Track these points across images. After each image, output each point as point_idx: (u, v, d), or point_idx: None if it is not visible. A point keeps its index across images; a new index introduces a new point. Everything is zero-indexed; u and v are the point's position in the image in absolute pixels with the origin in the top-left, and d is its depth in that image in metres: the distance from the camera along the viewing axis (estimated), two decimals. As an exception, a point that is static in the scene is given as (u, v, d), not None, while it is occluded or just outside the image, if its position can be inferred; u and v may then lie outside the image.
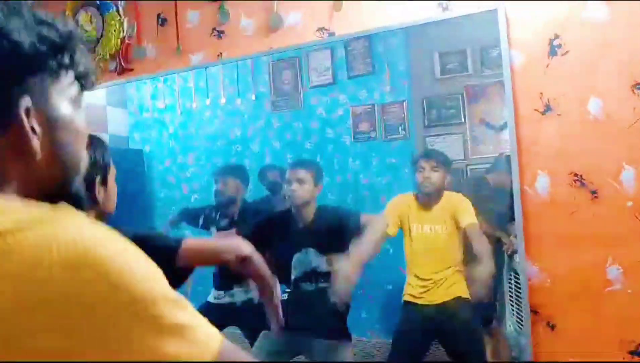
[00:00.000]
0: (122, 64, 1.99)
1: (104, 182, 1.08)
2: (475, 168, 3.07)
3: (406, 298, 2.43)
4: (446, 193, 2.50)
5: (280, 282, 2.19)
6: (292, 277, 2.09)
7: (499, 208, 2.62)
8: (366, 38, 3.46)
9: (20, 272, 0.56)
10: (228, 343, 0.68)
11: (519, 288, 2.47)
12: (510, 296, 2.59)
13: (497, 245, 2.58)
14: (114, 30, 2.07)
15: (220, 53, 2.86)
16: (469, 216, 2.38)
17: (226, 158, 3.88)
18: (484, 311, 2.71)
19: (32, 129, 0.68)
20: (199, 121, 3.97)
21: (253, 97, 3.85)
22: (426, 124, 3.36)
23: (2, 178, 0.68)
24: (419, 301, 2.35)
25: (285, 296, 2.10)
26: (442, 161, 2.48)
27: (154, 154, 4.04)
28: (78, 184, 0.78)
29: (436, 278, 2.34)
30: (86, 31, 1.98)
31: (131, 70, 2.02)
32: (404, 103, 3.39)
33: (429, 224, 2.41)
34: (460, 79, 3.23)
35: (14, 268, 0.56)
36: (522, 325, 2.42)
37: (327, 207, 2.30)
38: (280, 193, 2.43)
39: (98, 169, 1.03)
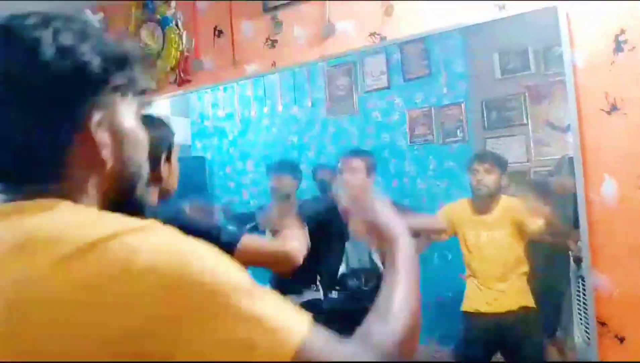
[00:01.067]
0: (182, 75, 2.13)
1: (168, 160, 1.17)
2: (539, 171, 2.97)
3: (466, 309, 2.32)
4: (504, 197, 2.40)
5: (330, 287, 2.22)
6: (341, 272, 2.05)
7: (563, 213, 2.52)
8: (421, 40, 3.45)
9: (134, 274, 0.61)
10: (316, 332, 0.65)
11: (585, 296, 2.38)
12: (578, 305, 2.49)
13: (562, 252, 2.49)
14: (174, 44, 2.23)
15: (274, 62, 2.97)
16: (534, 223, 2.31)
17: (283, 164, 4.00)
18: (549, 320, 2.63)
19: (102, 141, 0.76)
20: (257, 129, 4.13)
21: (309, 104, 3.95)
22: (486, 126, 3.29)
23: (78, 190, 0.75)
24: (482, 310, 2.26)
25: (335, 296, 2.10)
26: (497, 163, 2.37)
27: (215, 161, 4.25)
28: (141, 189, 0.86)
29: (498, 288, 2.24)
30: (148, 45, 2.15)
31: (189, 81, 2.15)
32: (462, 105, 3.34)
33: (486, 231, 2.32)
34: (521, 79, 3.15)
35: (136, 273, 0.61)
36: (589, 336, 2.32)
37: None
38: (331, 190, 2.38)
39: (163, 148, 1.12)
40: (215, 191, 4.17)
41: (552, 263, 2.50)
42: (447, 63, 3.34)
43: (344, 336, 0.67)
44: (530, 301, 2.29)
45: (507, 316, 2.24)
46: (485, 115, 3.27)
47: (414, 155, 3.46)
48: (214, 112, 4.27)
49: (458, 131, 3.34)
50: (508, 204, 2.36)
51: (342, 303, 2.01)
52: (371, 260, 2.00)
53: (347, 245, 2.09)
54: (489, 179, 2.24)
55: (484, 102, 3.26)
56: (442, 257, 3.26)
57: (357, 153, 2.17)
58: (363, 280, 2.04)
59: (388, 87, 3.65)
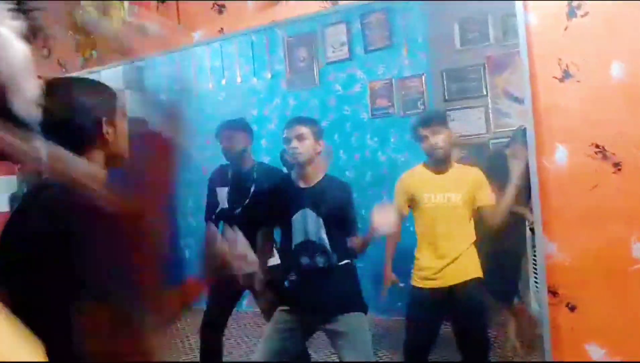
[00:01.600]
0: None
1: (112, 123, 1.15)
2: (498, 142, 2.99)
3: (416, 283, 2.35)
4: (462, 166, 2.43)
5: (285, 258, 2.20)
6: (293, 246, 2.07)
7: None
8: (383, 11, 3.40)
9: None
10: None
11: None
12: (535, 274, 2.54)
13: (519, 221, 2.52)
14: (117, 11, 2.10)
15: (222, 28, 2.84)
16: (489, 196, 2.30)
17: (242, 138, 3.91)
18: (506, 288, 2.68)
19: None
20: (215, 102, 4.01)
21: (268, 76, 3.86)
22: (446, 97, 3.28)
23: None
24: (433, 285, 2.29)
25: (293, 275, 2.10)
26: (441, 121, 2.37)
27: (172, 137, 4.12)
28: (20, 103, 0.92)
29: (452, 255, 2.28)
30: (88, 12, 2.03)
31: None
32: (423, 77, 3.32)
33: (442, 192, 2.29)
34: (481, 49, 3.14)
35: None
36: (541, 304, 2.37)
37: (338, 179, 2.24)
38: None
39: (102, 110, 1.11)
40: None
41: (510, 232, 2.53)
42: (408, 33, 3.30)
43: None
44: (479, 272, 2.32)
45: (457, 288, 2.25)
46: (445, 86, 3.26)
47: (375, 128, 3.44)
48: (170, 85, 4.12)
49: (419, 103, 3.33)
50: (467, 172, 2.37)
51: (299, 285, 2.01)
52: (319, 236, 1.99)
53: (295, 217, 2.06)
54: (439, 139, 2.23)
55: (444, 73, 3.25)
56: (405, 231, 3.27)
57: (300, 120, 2.12)
58: (312, 253, 2.03)
59: (349, 59, 3.58)
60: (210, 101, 4.01)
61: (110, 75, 3.85)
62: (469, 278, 2.24)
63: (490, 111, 3.10)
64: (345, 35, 3.55)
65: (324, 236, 1.98)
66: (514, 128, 2.78)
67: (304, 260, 2.02)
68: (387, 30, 3.43)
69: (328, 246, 2.01)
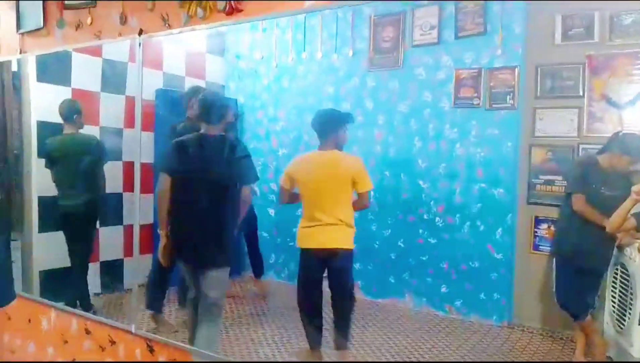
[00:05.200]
0: (233, 4, 2.16)
1: None
2: (589, 148, 2.97)
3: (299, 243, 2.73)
4: (347, 155, 2.80)
5: None
6: None
7: (613, 194, 2.55)
8: (481, -5, 3.41)
9: None
10: None
11: (625, 285, 2.43)
12: (613, 293, 2.56)
13: (608, 238, 2.53)
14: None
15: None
16: (368, 183, 2.67)
17: (317, 114, 4.06)
18: (580, 303, 2.70)
19: None
20: (293, 75, 4.19)
21: (350, 54, 3.98)
22: (538, 94, 3.28)
23: None
24: (311, 246, 2.66)
25: None
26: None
27: (247, 106, 4.34)
28: None
29: (325, 221, 2.61)
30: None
31: (240, 11, 2.18)
32: (516, 69, 3.33)
33: (322, 168, 2.68)
34: (582, 47, 3.11)
35: None
36: (623, 325, 2.40)
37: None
38: None
39: None
40: (244, 136, 4.28)
41: (596, 247, 2.55)
42: (505, 22, 3.31)
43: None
44: (349, 244, 2.65)
45: (330, 251, 2.62)
46: (538, 82, 3.26)
47: (456, 118, 3.48)
48: (251, 54, 4.33)
49: (508, 98, 3.34)
50: (350, 160, 2.75)
51: None
52: None
53: None
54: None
55: (539, 69, 3.24)
56: (474, 227, 3.34)
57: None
58: None
59: (437, 43, 3.64)
60: (288, 73, 4.19)
61: (192, 40, 4.12)
62: (340, 246, 2.64)
63: (584, 113, 3.07)
64: (437, 18, 3.60)
65: None
66: (608, 134, 2.76)
67: None
68: (482, 16, 3.44)
69: None
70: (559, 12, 3.13)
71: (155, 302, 3.08)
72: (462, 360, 2.73)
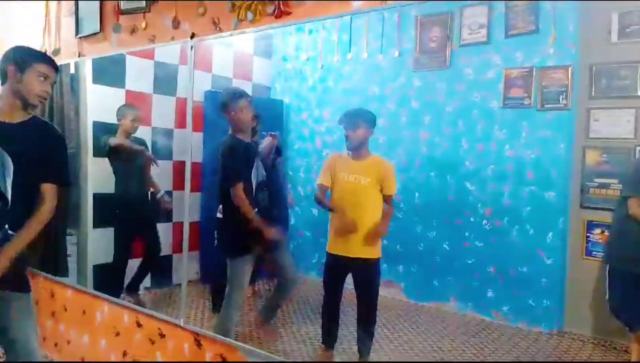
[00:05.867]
0: (282, 7, 2.22)
1: None
2: (646, 150, 2.88)
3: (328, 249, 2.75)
4: (377, 156, 2.78)
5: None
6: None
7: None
8: (533, -7, 3.34)
9: None
10: None
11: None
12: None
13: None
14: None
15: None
16: (394, 187, 2.68)
17: (362, 115, 4.08)
18: (634, 313, 2.61)
19: None
20: (338, 75, 4.23)
21: (396, 54, 3.98)
22: (593, 94, 3.19)
23: None
24: (339, 253, 2.68)
25: None
26: (363, 119, 2.75)
27: (293, 106, 4.41)
28: None
29: (349, 237, 2.62)
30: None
31: (289, 14, 2.24)
32: (569, 68, 3.25)
33: (354, 174, 2.67)
34: (641, 45, 3.01)
35: None
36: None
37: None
38: None
39: None
40: (290, 137, 4.36)
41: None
42: (557, 20, 3.24)
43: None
44: (378, 254, 2.66)
45: (358, 261, 2.62)
46: (593, 82, 3.17)
47: (506, 119, 3.43)
48: (297, 55, 4.41)
49: (560, 98, 3.26)
50: (381, 163, 2.73)
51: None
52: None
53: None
54: (353, 134, 2.67)
55: (593, 68, 3.15)
56: (523, 231, 3.28)
57: (243, 94, 2.83)
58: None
59: (486, 42, 3.59)
60: (333, 73, 4.24)
61: (240, 42, 4.23)
62: (369, 256, 2.64)
63: (642, 114, 2.97)
64: (486, 16, 3.56)
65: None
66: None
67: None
68: (534, 14, 3.38)
69: None
70: (615, 9, 3.04)
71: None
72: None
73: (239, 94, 2.82)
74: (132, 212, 3.54)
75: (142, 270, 3.67)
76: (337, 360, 2.74)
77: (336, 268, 2.70)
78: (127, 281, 3.60)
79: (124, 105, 3.63)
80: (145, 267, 3.67)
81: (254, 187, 2.75)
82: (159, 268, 3.78)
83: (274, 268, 3.03)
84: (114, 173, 3.51)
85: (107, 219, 3.61)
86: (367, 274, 2.66)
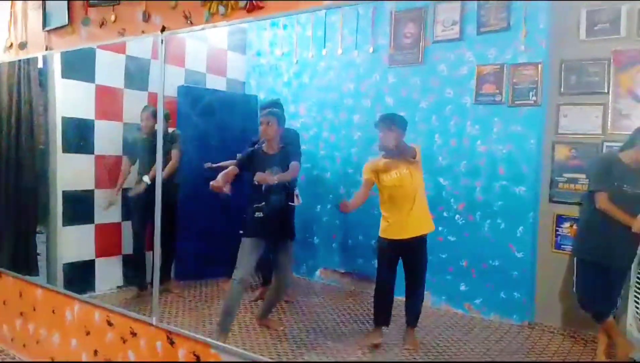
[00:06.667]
0: (254, 1, 2.21)
1: None
2: (614, 145, 2.95)
3: (381, 234, 3.00)
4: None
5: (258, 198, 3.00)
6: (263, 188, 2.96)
7: (636, 191, 2.54)
8: (505, -10, 3.39)
9: None
10: None
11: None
12: (637, 292, 2.54)
13: (628, 234, 2.52)
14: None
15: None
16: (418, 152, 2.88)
17: (336, 111, 4.11)
18: (601, 303, 2.69)
19: None
20: (314, 72, 4.24)
21: (371, 50, 4.00)
22: (562, 91, 3.26)
23: None
24: (391, 237, 2.93)
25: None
26: (396, 123, 2.93)
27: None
28: None
29: (404, 217, 2.90)
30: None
31: (261, 8, 2.23)
32: (539, 65, 3.32)
33: (395, 170, 2.92)
34: (609, 42, 3.08)
35: None
36: (646, 327, 2.38)
37: (289, 147, 3.20)
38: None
39: None
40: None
41: (621, 245, 2.53)
42: (528, 17, 3.30)
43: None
44: (431, 227, 2.95)
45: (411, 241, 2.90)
46: (563, 78, 3.24)
47: (478, 115, 3.48)
48: (271, 50, 4.39)
49: (531, 94, 3.33)
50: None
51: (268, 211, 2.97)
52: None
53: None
54: (387, 137, 2.84)
55: (563, 64, 3.22)
56: (494, 226, 3.35)
57: (270, 113, 3.09)
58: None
59: (459, 39, 3.64)
60: (308, 69, 4.25)
61: (214, 37, 4.20)
62: (421, 234, 2.91)
63: (609, 110, 3.05)
64: (459, 13, 3.60)
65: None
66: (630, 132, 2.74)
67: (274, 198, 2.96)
68: (506, 11, 3.44)
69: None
70: (584, 7, 3.11)
71: None
72: (480, 359, 2.75)
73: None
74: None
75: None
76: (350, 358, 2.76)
77: (392, 251, 2.93)
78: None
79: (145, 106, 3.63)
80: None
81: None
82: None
83: (275, 266, 3.15)
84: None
85: (78, 217, 3.57)
86: (418, 247, 2.92)
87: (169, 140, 3.52)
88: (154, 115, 3.44)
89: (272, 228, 2.98)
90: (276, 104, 3.50)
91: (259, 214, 2.96)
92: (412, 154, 2.86)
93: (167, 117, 3.51)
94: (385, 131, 2.88)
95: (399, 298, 3.00)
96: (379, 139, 2.90)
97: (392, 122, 2.92)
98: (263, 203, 2.96)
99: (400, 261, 2.97)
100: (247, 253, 2.91)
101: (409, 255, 2.95)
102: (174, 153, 3.56)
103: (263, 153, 3.07)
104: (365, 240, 3.91)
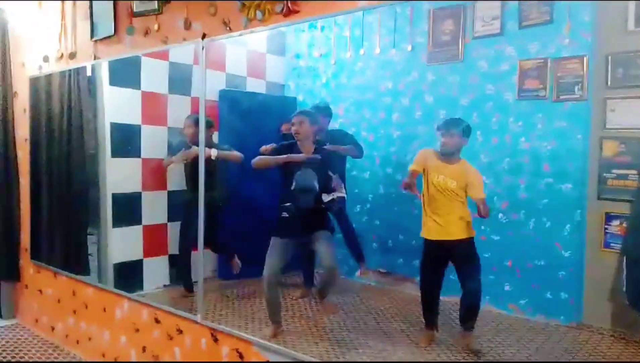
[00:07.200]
0: (289, 5, 2.26)
1: None
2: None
3: (422, 234, 3.01)
4: (466, 162, 2.97)
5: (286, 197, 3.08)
6: (292, 188, 3.00)
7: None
8: (546, -18, 3.31)
9: None
10: None
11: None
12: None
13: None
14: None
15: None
16: (480, 191, 2.88)
17: (375, 110, 4.11)
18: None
19: None
20: (351, 72, 4.25)
21: (409, 48, 3.98)
22: (609, 84, 3.15)
23: None
24: (435, 238, 2.95)
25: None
26: (460, 129, 2.95)
27: (307, 104, 4.45)
28: None
29: (446, 219, 2.92)
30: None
31: (297, 12, 2.28)
32: (585, 58, 3.21)
33: (444, 175, 2.94)
34: (659, 32, 2.96)
35: None
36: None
37: (324, 147, 3.27)
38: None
39: None
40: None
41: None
42: (572, 10, 3.20)
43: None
44: (471, 233, 2.92)
45: (456, 242, 2.91)
46: (610, 72, 3.13)
47: (521, 111, 3.41)
48: (309, 52, 4.44)
49: (576, 88, 3.23)
50: (467, 168, 2.95)
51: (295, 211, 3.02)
52: (312, 183, 3.02)
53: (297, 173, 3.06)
54: (450, 141, 2.90)
55: (609, 57, 3.12)
56: (540, 225, 3.27)
57: (301, 112, 3.20)
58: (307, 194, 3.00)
59: (500, 34, 3.57)
60: (346, 70, 4.26)
61: (253, 41, 4.29)
62: (466, 236, 2.91)
63: (660, 103, 2.93)
64: (499, 8, 3.53)
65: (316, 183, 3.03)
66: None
67: (303, 197, 3.00)
68: (548, 4, 3.35)
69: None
70: (631, -2, 3.00)
71: None
72: (526, 360, 2.69)
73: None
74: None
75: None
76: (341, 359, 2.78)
77: (432, 251, 2.96)
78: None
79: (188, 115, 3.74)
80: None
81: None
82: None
83: (319, 259, 3.21)
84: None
85: (127, 218, 3.71)
86: (463, 249, 2.90)
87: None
88: (196, 123, 3.56)
89: (299, 228, 3.03)
90: (326, 109, 3.64)
91: (284, 214, 3.03)
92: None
93: (209, 125, 3.61)
94: (447, 136, 2.92)
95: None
96: (441, 144, 2.94)
97: (455, 127, 2.95)
98: (290, 204, 3.01)
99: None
100: (273, 253, 3.00)
101: (456, 258, 2.92)
102: (235, 153, 3.66)
103: (298, 151, 3.14)
104: (406, 240, 3.90)
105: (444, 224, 2.93)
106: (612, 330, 2.96)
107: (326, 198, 3.11)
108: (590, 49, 3.20)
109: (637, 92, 3.06)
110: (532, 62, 3.45)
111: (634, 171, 2.97)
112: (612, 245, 3.03)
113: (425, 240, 2.99)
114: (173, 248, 3.86)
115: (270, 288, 3.00)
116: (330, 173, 3.13)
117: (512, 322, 3.15)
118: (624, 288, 2.64)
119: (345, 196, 3.37)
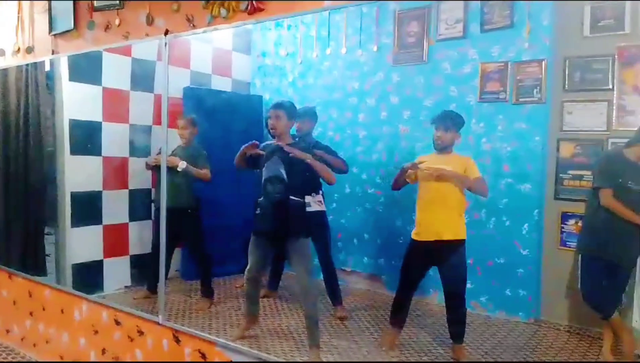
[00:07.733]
0: (254, 4, 2.24)
1: None
2: (619, 142, 2.94)
3: (413, 235, 2.89)
4: (458, 154, 2.88)
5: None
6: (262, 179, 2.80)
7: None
8: (507, -14, 3.39)
9: None
10: None
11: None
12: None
13: (633, 231, 2.53)
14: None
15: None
16: (476, 171, 2.79)
17: (341, 110, 4.12)
18: (606, 299, 2.68)
19: None
20: (318, 71, 4.26)
21: (375, 49, 4.02)
22: (566, 87, 3.26)
23: None
24: (423, 239, 2.83)
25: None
26: (456, 123, 2.87)
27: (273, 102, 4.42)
28: None
29: (441, 218, 2.81)
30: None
31: (262, 10, 2.27)
32: (543, 62, 3.31)
33: (438, 164, 2.80)
34: (613, 38, 3.08)
35: None
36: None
37: (299, 142, 3.11)
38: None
39: None
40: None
41: (625, 241, 2.54)
42: (532, 14, 3.29)
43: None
44: (464, 234, 2.80)
45: (445, 243, 2.77)
46: (567, 75, 3.24)
47: (482, 113, 3.49)
48: (276, 50, 4.42)
49: (535, 91, 3.33)
50: (460, 157, 2.85)
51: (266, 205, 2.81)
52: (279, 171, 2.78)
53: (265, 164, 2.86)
54: (444, 136, 2.81)
55: (567, 61, 3.22)
56: (500, 224, 3.35)
57: (278, 105, 2.99)
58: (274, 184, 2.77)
59: (463, 37, 3.64)
60: (312, 69, 4.27)
61: (219, 38, 4.24)
62: (458, 238, 2.80)
63: (614, 106, 3.05)
64: (462, 11, 3.61)
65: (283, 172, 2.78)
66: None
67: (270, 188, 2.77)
68: (509, 9, 3.43)
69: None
70: (588, 3, 3.11)
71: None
72: (486, 356, 2.76)
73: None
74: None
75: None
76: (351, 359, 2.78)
77: (420, 253, 2.84)
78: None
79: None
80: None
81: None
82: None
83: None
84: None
85: (86, 218, 3.62)
86: (452, 256, 2.77)
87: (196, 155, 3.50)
88: (193, 123, 3.46)
89: (271, 224, 2.80)
90: (311, 111, 3.60)
91: (257, 210, 2.85)
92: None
93: (194, 123, 3.52)
94: (441, 130, 2.81)
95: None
96: (435, 138, 2.82)
97: (451, 122, 2.85)
98: (262, 198, 2.81)
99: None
100: (252, 250, 2.91)
101: (439, 262, 2.80)
102: (206, 172, 3.48)
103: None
104: (371, 238, 3.94)
105: (436, 223, 2.80)
106: (569, 326, 3.07)
107: (310, 200, 3.08)
108: (550, 53, 3.30)
109: (593, 96, 3.17)
110: (493, 65, 3.53)
111: (589, 172, 3.08)
112: (568, 243, 3.14)
113: (414, 240, 2.87)
114: (135, 248, 3.79)
115: (249, 283, 2.95)
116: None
117: (474, 319, 3.22)
118: (579, 286, 2.73)
119: (324, 209, 3.34)
